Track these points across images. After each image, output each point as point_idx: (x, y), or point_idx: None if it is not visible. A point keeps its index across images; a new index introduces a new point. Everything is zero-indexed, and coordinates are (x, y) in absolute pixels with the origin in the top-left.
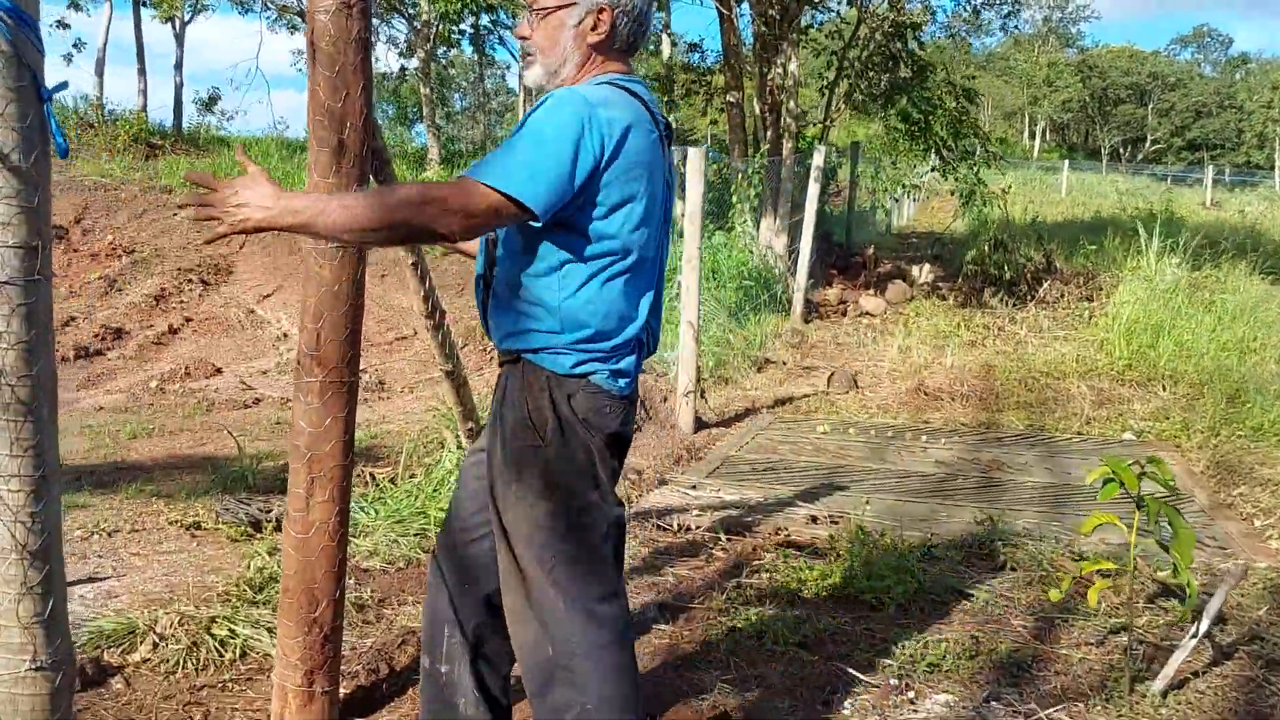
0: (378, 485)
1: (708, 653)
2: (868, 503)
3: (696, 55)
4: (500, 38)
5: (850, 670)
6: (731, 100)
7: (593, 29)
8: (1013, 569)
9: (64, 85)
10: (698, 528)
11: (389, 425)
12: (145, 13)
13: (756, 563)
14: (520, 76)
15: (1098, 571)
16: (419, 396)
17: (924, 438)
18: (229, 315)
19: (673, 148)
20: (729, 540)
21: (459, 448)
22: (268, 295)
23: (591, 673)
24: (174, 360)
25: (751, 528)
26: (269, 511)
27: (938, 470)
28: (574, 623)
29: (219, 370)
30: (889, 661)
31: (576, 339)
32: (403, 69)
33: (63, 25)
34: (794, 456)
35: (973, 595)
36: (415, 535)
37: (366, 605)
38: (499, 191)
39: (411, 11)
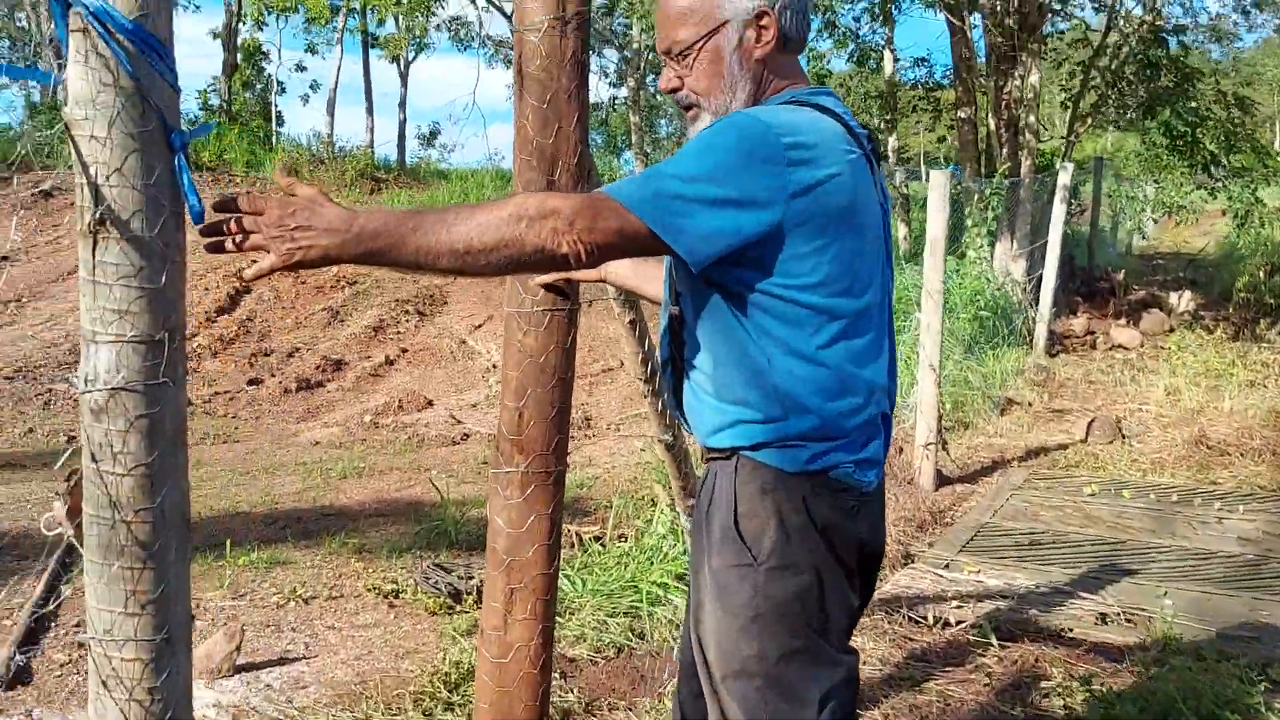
0: (584, 548)
1: None
2: (1165, 594)
3: (922, 70)
4: None
5: None
6: (963, 116)
7: (757, 41)
8: None
9: (207, 128)
10: (959, 623)
11: (595, 470)
12: (373, 53)
13: (1044, 682)
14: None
15: None
16: (625, 435)
17: (1216, 504)
18: (441, 346)
19: (882, 164)
20: (1002, 646)
21: (671, 509)
22: (479, 325)
23: None
24: (388, 392)
25: (1027, 628)
26: (470, 578)
27: (1243, 550)
28: None
29: (430, 403)
30: None
31: (809, 425)
32: (612, 98)
33: (300, 68)
34: (1061, 526)
35: None
36: (626, 615)
37: (572, 711)
38: (640, 219)
39: (622, 41)
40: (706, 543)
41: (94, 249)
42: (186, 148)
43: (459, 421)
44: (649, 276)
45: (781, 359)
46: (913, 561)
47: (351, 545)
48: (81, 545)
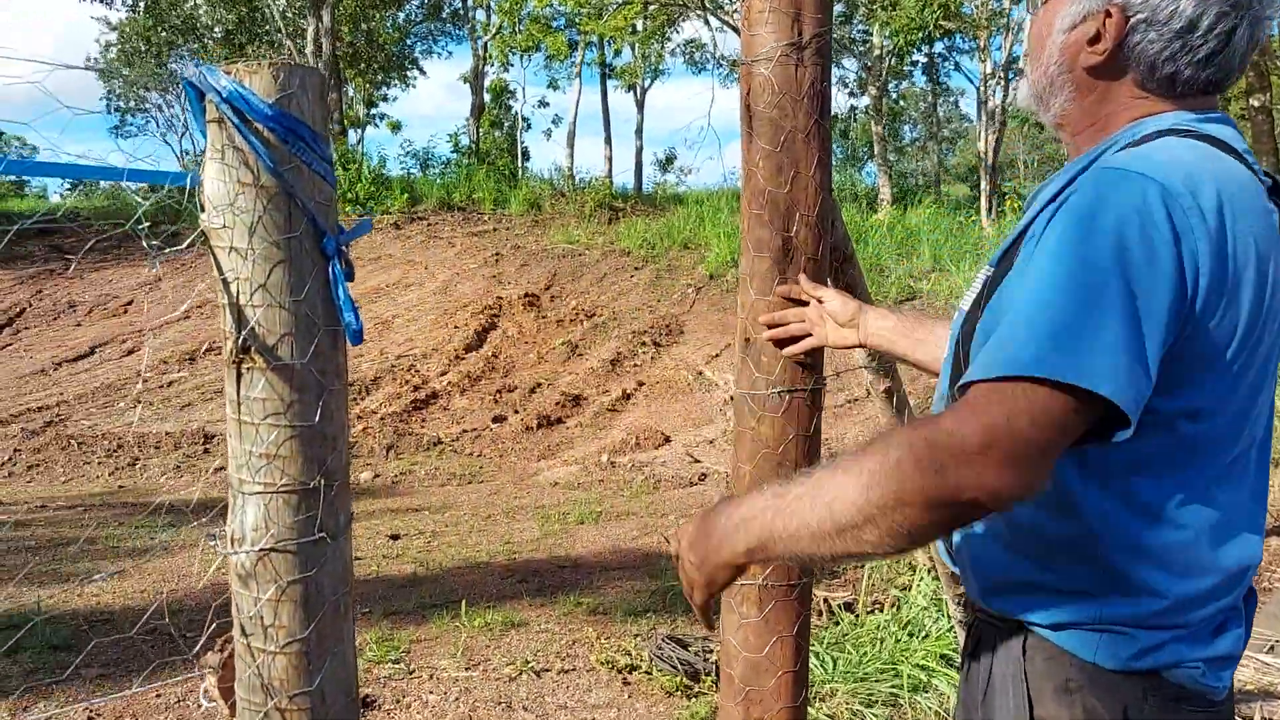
0: (834, 618)
1: None
2: None
3: None
4: (956, 63)
5: None
6: (1256, 104)
7: (1091, 42)
8: None
9: (365, 226)
10: None
11: None
12: (610, 84)
13: None
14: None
15: None
16: None
17: None
18: (678, 378)
19: None
20: None
21: (933, 577)
22: (715, 355)
23: None
24: (626, 428)
25: None
26: (709, 654)
27: None
28: None
29: (667, 439)
30: None
31: (1142, 610)
32: (852, 109)
33: (543, 104)
34: None
35: None
36: (884, 704)
37: None
38: (1062, 387)
39: (862, 49)
40: None
41: (238, 382)
42: (344, 253)
43: (696, 460)
44: (917, 340)
45: (1118, 515)
46: None
47: (586, 605)
48: None
